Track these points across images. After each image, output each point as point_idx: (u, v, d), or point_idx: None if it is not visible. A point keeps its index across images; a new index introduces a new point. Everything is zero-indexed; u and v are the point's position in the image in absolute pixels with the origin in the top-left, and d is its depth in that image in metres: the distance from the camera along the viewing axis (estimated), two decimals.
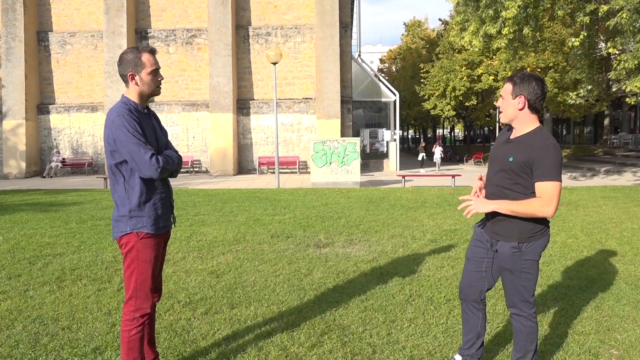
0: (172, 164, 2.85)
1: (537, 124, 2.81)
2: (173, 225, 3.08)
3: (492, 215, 2.92)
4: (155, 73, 2.86)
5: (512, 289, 2.88)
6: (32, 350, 3.57)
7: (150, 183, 2.84)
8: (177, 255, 6.46)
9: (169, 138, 19.37)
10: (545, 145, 2.67)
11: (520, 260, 2.81)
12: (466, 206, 2.90)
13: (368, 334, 3.84)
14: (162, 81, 2.92)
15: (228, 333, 3.87)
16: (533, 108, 2.78)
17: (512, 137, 2.88)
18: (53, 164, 22.52)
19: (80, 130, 23.66)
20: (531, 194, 2.76)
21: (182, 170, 23.16)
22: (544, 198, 2.67)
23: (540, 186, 2.68)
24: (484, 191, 3.06)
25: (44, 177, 22.23)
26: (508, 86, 2.82)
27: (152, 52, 2.86)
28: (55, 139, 23.73)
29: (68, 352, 3.52)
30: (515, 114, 2.81)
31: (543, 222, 2.81)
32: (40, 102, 23.68)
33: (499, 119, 29.25)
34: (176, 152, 3.00)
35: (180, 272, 5.66)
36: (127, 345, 2.84)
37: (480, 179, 3.10)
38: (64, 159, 23.27)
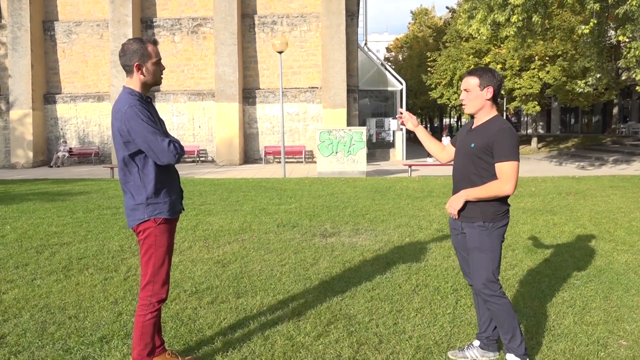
0: (183, 150, 2.91)
1: (495, 113, 3.04)
2: (182, 210, 3.13)
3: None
4: (159, 63, 2.94)
5: (481, 269, 2.99)
6: (40, 338, 3.58)
7: (163, 170, 2.91)
8: (183, 244, 6.47)
9: (174, 128, 19.34)
10: (502, 129, 2.90)
11: (489, 239, 2.97)
12: (448, 211, 3.13)
13: (374, 323, 3.83)
14: (163, 71, 2.98)
15: (234, 322, 3.87)
16: (495, 98, 3.02)
17: (473, 126, 3.11)
18: (60, 154, 22.61)
19: (87, 120, 23.71)
20: (493, 176, 2.95)
21: (188, 159, 23.18)
22: (502, 178, 2.89)
23: (499, 167, 2.90)
24: (409, 120, 3.52)
25: (51, 166, 22.33)
26: (473, 80, 3.01)
27: (155, 42, 2.94)
28: (62, 129, 23.80)
29: (75, 341, 3.53)
30: (483, 104, 3.02)
31: (503, 205, 3.01)
32: (47, 92, 23.72)
33: (506, 108, 28.74)
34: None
35: (186, 261, 5.67)
36: (141, 330, 2.89)
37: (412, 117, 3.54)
38: (70, 148, 23.35)
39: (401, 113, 3.53)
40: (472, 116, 3.13)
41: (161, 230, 2.89)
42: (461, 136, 3.19)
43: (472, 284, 3.21)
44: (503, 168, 2.88)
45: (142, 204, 2.85)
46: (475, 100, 3.03)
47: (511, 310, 2.99)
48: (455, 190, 3.13)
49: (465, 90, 3.07)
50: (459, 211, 3.06)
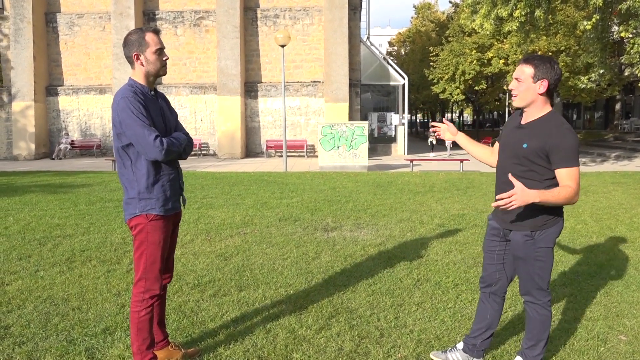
0: (179, 145, 2.84)
1: (549, 108, 2.74)
2: (182, 207, 3.09)
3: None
4: (160, 52, 2.86)
5: (526, 278, 2.83)
6: (43, 329, 3.61)
7: (157, 165, 2.84)
8: (185, 237, 6.50)
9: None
10: (562, 130, 2.60)
11: (534, 248, 2.75)
12: (504, 202, 2.59)
13: (376, 317, 3.85)
14: (167, 61, 2.91)
15: (236, 315, 3.90)
16: (550, 92, 2.70)
17: (523, 122, 2.78)
18: (62, 146, 22.63)
19: (89, 112, 23.71)
20: (545, 180, 2.68)
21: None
22: (573, 185, 2.60)
23: (565, 173, 2.61)
24: (447, 130, 3.20)
25: (53, 158, 22.35)
26: (528, 69, 2.69)
27: (156, 31, 2.86)
28: (64, 121, 23.80)
29: (78, 332, 3.56)
30: (534, 98, 2.71)
31: (557, 209, 2.75)
32: (49, 84, 23.71)
33: (508, 103, 28.76)
34: (187, 134, 2.99)
35: (188, 254, 5.69)
36: (137, 326, 2.86)
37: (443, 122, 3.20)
38: (72, 140, 23.37)
39: (435, 127, 3.18)
40: (514, 110, 2.92)
41: (153, 226, 2.84)
42: (507, 131, 2.89)
43: (482, 289, 3.08)
44: (570, 175, 2.59)
45: (135, 198, 2.81)
46: (526, 92, 2.71)
47: (546, 324, 2.83)
48: (500, 190, 2.83)
49: (516, 79, 2.74)
50: (504, 217, 2.84)
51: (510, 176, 2.67)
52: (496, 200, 2.69)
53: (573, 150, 2.59)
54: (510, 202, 2.57)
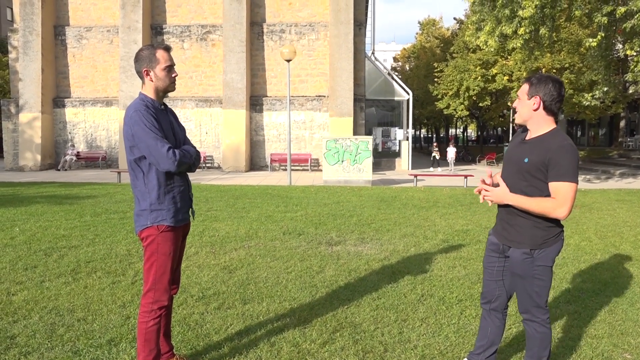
0: (190, 157, 2.91)
1: (553, 126, 2.75)
2: (192, 218, 3.13)
3: (503, 221, 2.91)
4: (170, 69, 2.92)
5: (524, 295, 2.83)
6: (49, 340, 3.63)
7: (169, 177, 2.90)
8: (190, 250, 6.52)
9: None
10: (562, 145, 2.62)
11: (532, 267, 2.76)
12: (483, 191, 2.87)
13: (380, 332, 3.85)
14: (176, 77, 2.98)
15: (240, 328, 3.91)
16: (549, 110, 2.72)
17: (527, 138, 2.82)
18: (68, 157, 22.76)
19: (95, 124, 23.88)
20: (547, 196, 2.70)
21: None
22: (558, 199, 2.61)
23: (555, 186, 2.63)
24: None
25: (59, 170, 22.47)
26: (524, 86, 2.78)
27: (167, 49, 2.93)
28: (70, 133, 23.97)
29: (84, 343, 3.58)
30: (529, 114, 2.76)
31: (556, 227, 2.75)
32: (56, 96, 23.92)
33: (512, 119, 28.95)
34: (194, 147, 3.05)
35: (193, 266, 5.71)
36: (144, 337, 2.89)
37: (490, 176, 3.00)
38: (78, 152, 23.50)
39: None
40: (518, 127, 2.94)
41: (164, 237, 2.88)
42: (512, 147, 2.94)
43: (483, 305, 3.10)
44: (560, 189, 2.60)
45: (146, 210, 2.86)
46: (522, 109, 2.80)
47: (546, 341, 2.82)
48: (502, 206, 2.90)
49: (518, 96, 2.85)
50: (504, 234, 2.88)
51: (498, 176, 2.91)
52: (481, 189, 2.91)
53: (568, 166, 2.60)
54: (486, 194, 2.85)
